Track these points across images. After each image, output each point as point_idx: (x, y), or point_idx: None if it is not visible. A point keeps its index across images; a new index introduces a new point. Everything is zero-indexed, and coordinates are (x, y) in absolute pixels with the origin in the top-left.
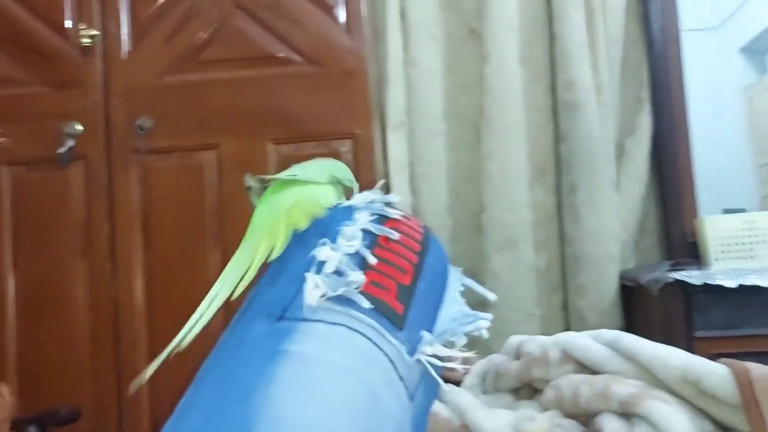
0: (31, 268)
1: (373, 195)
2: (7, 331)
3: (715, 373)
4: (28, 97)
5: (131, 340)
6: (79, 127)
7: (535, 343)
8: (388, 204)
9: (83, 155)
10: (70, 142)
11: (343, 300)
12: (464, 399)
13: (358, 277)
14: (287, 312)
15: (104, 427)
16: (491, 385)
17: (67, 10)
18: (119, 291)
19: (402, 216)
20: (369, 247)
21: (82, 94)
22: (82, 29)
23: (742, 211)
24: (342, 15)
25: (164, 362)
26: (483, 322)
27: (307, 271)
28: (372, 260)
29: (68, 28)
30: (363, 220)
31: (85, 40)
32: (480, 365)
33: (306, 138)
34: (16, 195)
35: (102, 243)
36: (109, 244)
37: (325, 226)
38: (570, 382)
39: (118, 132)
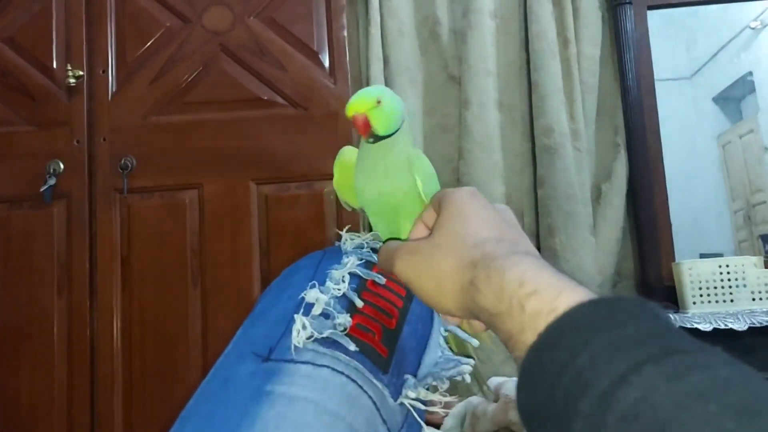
0: (8, 303)
1: (361, 240)
2: None
3: None
4: (13, 135)
5: (107, 379)
6: (61, 166)
7: (514, 384)
8: (376, 249)
9: (66, 194)
10: (52, 181)
11: (329, 342)
12: None
13: (344, 319)
14: (274, 353)
15: None
16: (469, 428)
17: (55, 51)
18: (97, 329)
19: None
20: (356, 290)
21: (67, 134)
22: (68, 70)
23: (719, 255)
24: (326, 60)
25: (138, 401)
26: (465, 368)
27: (296, 312)
28: (359, 304)
29: (55, 69)
30: (351, 264)
31: (71, 80)
32: (459, 407)
33: (288, 179)
34: None
35: (82, 281)
36: (88, 282)
37: (313, 269)
38: None
39: (101, 171)
